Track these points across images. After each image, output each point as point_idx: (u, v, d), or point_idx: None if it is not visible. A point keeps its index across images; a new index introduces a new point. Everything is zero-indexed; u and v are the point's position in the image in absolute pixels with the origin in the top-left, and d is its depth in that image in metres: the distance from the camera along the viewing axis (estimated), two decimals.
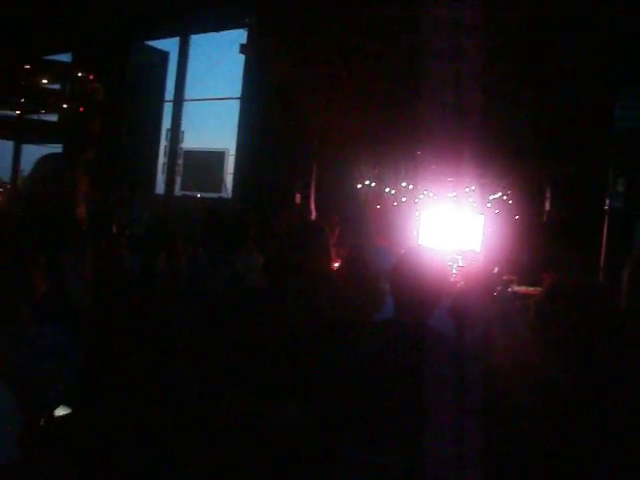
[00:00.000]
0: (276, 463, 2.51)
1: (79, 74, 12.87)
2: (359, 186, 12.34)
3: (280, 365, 2.85)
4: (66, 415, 2.24)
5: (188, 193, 14.92)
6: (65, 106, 12.95)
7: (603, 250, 6.90)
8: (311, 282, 3.03)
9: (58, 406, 2.26)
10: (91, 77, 12.83)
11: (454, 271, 5.84)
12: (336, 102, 10.66)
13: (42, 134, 13.40)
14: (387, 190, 12.40)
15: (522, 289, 8.90)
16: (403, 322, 2.50)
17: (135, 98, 14.16)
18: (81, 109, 12.70)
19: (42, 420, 2.18)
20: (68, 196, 3.00)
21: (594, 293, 2.46)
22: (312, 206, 11.95)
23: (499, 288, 7.67)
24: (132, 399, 3.12)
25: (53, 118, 13.65)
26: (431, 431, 2.14)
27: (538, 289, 8.62)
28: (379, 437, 2.27)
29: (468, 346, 2.47)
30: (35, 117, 13.65)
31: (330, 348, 2.55)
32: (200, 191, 14.92)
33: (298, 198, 12.16)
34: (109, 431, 2.80)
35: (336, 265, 4.80)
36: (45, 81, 13.12)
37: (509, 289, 8.59)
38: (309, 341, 2.77)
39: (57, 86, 13.50)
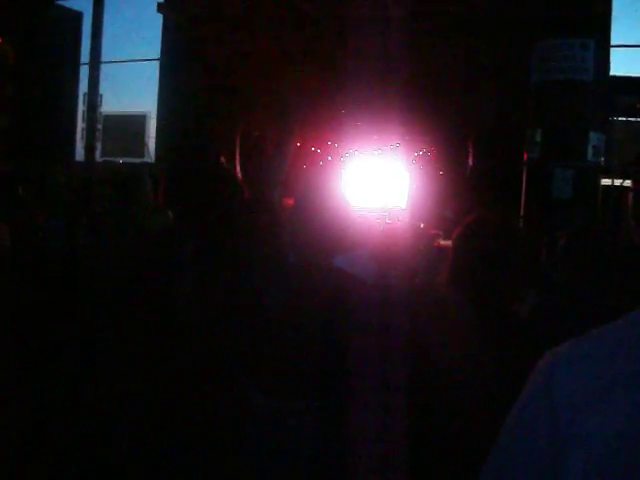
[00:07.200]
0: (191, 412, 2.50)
1: None
2: None
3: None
4: None
5: (110, 159, 14.53)
6: None
7: (522, 200, 7.08)
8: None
9: None
10: (0, 40, 12.26)
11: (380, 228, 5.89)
12: (257, 61, 10.50)
13: None
14: (312, 149, 12.35)
15: (448, 243, 9.08)
16: (308, 266, 2.50)
17: (48, 61, 13.58)
18: None
19: None
20: None
21: (515, 231, 2.48)
22: (237, 168, 11.78)
23: (425, 243, 7.81)
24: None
25: None
26: (354, 379, 2.15)
27: None
28: (293, 383, 2.28)
29: (393, 296, 2.48)
30: None
31: (241, 292, 2.55)
32: (122, 156, 14.56)
33: (223, 160, 11.97)
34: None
35: None
36: None
37: (435, 243, 8.75)
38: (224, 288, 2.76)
39: None
